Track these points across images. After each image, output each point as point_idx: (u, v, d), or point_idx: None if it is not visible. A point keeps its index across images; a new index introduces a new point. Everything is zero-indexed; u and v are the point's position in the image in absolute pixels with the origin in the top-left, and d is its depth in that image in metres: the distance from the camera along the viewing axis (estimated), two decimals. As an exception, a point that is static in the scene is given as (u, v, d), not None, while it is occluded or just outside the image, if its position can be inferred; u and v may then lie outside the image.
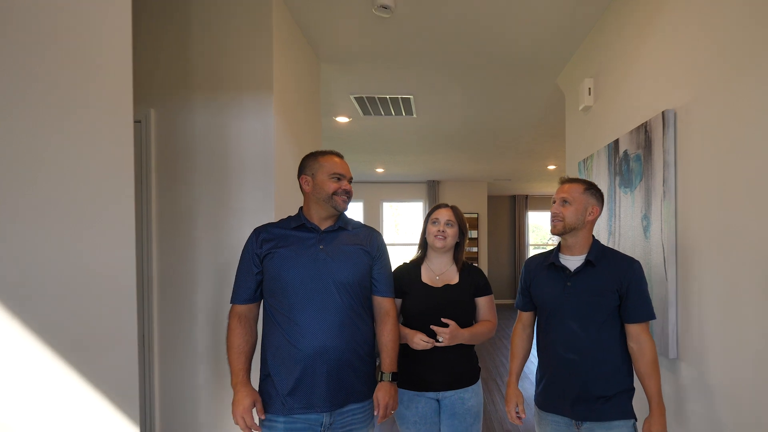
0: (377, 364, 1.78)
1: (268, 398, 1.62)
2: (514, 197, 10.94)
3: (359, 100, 4.08)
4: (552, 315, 1.71)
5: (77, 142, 1.08)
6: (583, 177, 2.86)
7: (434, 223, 1.95)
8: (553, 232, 1.72)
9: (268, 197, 2.33)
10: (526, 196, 10.90)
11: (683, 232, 1.81)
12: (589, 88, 2.80)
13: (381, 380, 1.71)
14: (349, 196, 1.71)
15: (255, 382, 1.69)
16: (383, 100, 4.10)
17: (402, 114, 4.48)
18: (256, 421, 1.60)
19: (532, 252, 11.16)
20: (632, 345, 1.63)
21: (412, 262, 2.03)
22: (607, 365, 1.63)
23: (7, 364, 0.92)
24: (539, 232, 12.81)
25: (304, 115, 2.88)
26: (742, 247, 1.47)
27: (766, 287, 1.35)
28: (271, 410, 1.60)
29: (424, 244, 2.01)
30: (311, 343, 1.56)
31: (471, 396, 1.91)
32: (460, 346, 1.88)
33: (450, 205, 1.99)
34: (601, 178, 2.55)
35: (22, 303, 0.94)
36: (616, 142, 2.34)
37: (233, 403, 1.56)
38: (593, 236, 1.73)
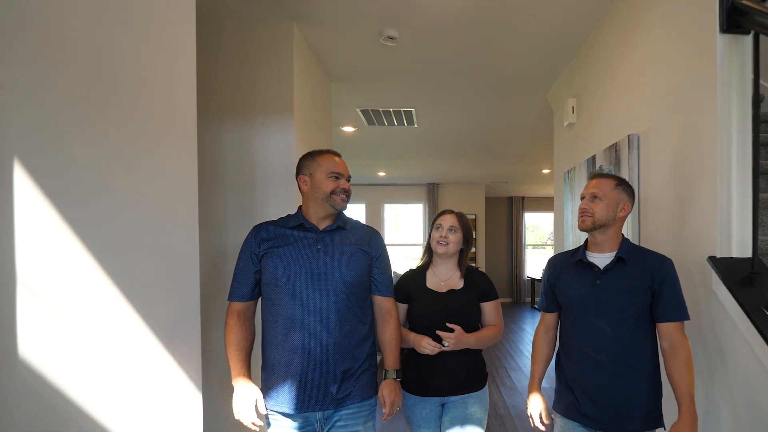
0: (379, 362, 1.79)
1: (266, 393, 1.63)
2: (511, 199, 11.26)
3: (365, 112, 4.42)
4: (580, 315, 1.63)
5: (165, 164, 1.41)
6: (567, 186, 3.20)
7: (438, 228, 1.94)
8: (581, 228, 1.65)
9: (289, 204, 2.67)
10: (523, 197, 11.23)
11: (645, 237, 2.15)
12: (573, 107, 3.14)
13: (385, 378, 1.71)
14: (347, 195, 1.68)
15: (256, 376, 1.75)
16: (387, 112, 4.44)
17: (404, 124, 4.82)
18: (257, 417, 1.59)
19: (529, 252, 11.50)
20: (664, 345, 1.55)
21: (418, 268, 2.03)
22: (638, 367, 1.55)
23: (120, 327, 1.25)
24: (537, 231, 13.16)
25: (317, 129, 3.21)
26: (688, 250, 1.81)
27: (706, 290, 1.69)
28: (269, 405, 1.62)
29: (429, 250, 1.99)
30: (306, 341, 1.56)
31: (475, 402, 1.88)
32: (466, 351, 1.86)
33: (456, 211, 1.98)
34: (581, 190, 2.89)
35: (127, 287, 1.27)
36: (594, 157, 2.68)
37: (234, 398, 1.56)
38: (623, 234, 1.66)
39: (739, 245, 1.58)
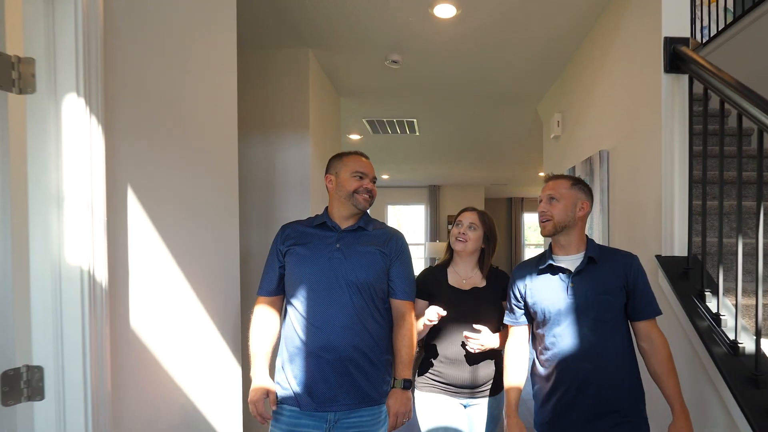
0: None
1: (279, 389, 1.63)
2: (510, 199, 11.62)
3: (370, 122, 4.79)
4: (555, 324, 1.53)
5: (216, 179, 1.77)
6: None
7: (457, 225, 1.87)
8: (544, 234, 1.59)
9: (305, 209, 3.04)
10: (522, 198, 11.58)
11: (612, 239, 2.50)
12: (558, 121, 3.49)
13: (393, 387, 1.64)
14: (370, 195, 1.68)
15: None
16: (390, 122, 4.81)
17: (406, 132, 5.18)
18: (267, 412, 1.59)
19: (528, 251, 11.85)
20: (643, 344, 1.51)
21: (437, 265, 1.98)
22: (620, 371, 1.49)
23: (188, 308, 1.61)
24: (537, 231, 13.51)
25: (328, 139, 3.58)
26: (642, 249, 2.16)
27: (654, 284, 2.05)
28: (280, 400, 1.62)
29: (450, 248, 1.93)
30: (317, 339, 1.56)
31: (498, 405, 1.85)
32: (488, 352, 1.78)
33: (478, 209, 1.91)
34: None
35: (193, 278, 1.63)
36: (574, 167, 3.04)
37: (250, 391, 1.58)
38: (586, 234, 1.62)
39: (680, 246, 1.93)
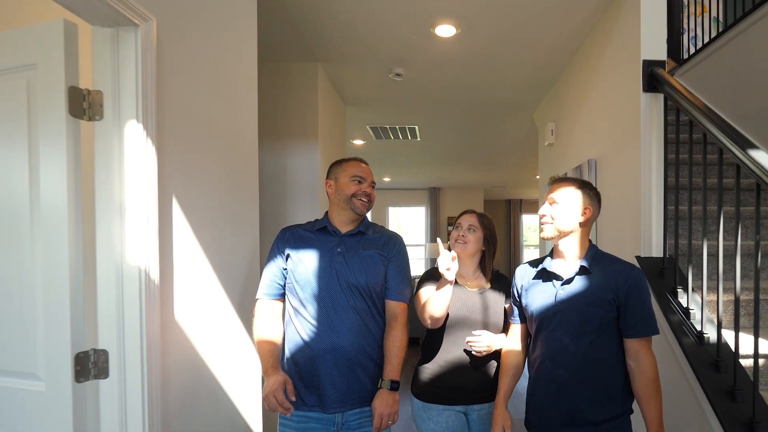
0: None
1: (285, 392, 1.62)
2: (509, 201, 11.82)
3: (373, 129, 5.00)
4: (541, 326, 1.53)
5: (240, 184, 1.98)
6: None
7: (457, 228, 1.85)
8: (543, 237, 1.56)
9: (314, 212, 3.25)
10: (521, 200, 11.79)
11: (600, 242, 2.72)
12: (552, 130, 3.70)
13: (380, 387, 1.60)
14: (368, 199, 1.70)
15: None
16: (393, 129, 5.02)
17: (408, 138, 5.39)
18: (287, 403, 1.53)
19: (527, 251, 12.07)
20: (630, 363, 1.44)
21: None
22: (600, 384, 1.44)
23: (216, 298, 1.82)
24: (536, 231, 13.71)
25: (334, 145, 3.79)
26: (624, 250, 2.37)
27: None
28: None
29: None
30: (322, 342, 1.58)
31: None
32: (490, 356, 1.75)
33: (478, 212, 1.89)
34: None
35: (225, 278, 1.84)
36: (566, 174, 3.25)
37: (265, 386, 1.51)
38: (590, 241, 1.56)
39: (657, 247, 2.14)
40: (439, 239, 1.72)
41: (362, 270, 1.64)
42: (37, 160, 1.27)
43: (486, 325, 1.75)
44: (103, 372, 1.33)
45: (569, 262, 1.52)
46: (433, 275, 1.81)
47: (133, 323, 1.34)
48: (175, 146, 1.52)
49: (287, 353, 1.66)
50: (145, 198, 1.35)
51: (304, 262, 1.63)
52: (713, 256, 2.10)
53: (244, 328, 1.98)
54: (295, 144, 3.26)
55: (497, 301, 1.80)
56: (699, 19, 5.14)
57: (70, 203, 1.26)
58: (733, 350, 1.59)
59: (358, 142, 5.60)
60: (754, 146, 1.50)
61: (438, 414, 1.74)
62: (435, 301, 1.65)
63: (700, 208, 2.23)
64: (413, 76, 3.52)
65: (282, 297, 1.71)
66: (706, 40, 3.65)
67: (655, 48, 2.17)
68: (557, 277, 1.53)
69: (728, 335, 1.75)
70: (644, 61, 2.15)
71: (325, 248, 1.66)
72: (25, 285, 1.30)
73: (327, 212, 1.77)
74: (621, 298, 1.44)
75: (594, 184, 2.77)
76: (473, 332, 1.71)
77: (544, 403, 1.52)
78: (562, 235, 1.51)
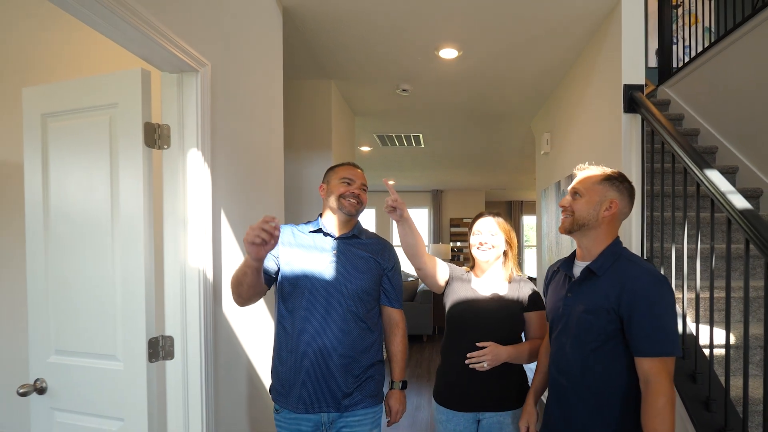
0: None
1: (275, 392, 1.68)
2: (510, 203, 12.10)
3: (380, 136, 5.30)
4: (552, 328, 1.48)
5: (270, 192, 2.27)
6: (544, 202, 4.06)
7: (477, 234, 1.78)
8: (561, 230, 1.43)
9: (327, 218, 3.55)
10: (522, 201, 12.06)
11: (589, 244, 3.00)
12: (547, 140, 3.99)
13: (392, 388, 1.79)
14: (358, 200, 1.70)
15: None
16: (398, 137, 5.32)
17: (413, 145, 5.69)
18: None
19: (529, 252, 12.34)
20: (641, 384, 1.25)
21: (464, 267, 1.92)
22: (597, 400, 1.31)
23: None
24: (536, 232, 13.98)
25: (344, 154, 4.09)
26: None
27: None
28: (278, 404, 1.66)
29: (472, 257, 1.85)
30: (312, 343, 1.60)
31: (513, 421, 1.71)
32: (503, 365, 1.69)
33: (493, 213, 1.83)
34: (551, 207, 3.74)
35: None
36: (559, 182, 3.53)
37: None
38: (617, 238, 1.39)
39: (637, 250, 2.42)
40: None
41: (357, 273, 1.67)
42: (117, 181, 1.56)
43: (495, 332, 1.70)
44: (169, 354, 1.61)
45: (587, 261, 1.39)
46: (453, 271, 1.84)
47: (193, 314, 1.63)
48: (223, 167, 1.81)
49: (277, 354, 1.69)
50: (202, 212, 1.64)
51: (299, 264, 1.66)
52: (691, 258, 2.38)
53: (270, 317, 2.28)
54: (310, 154, 3.55)
55: (509, 308, 1.74)
56: (693, 29, 5.42)
57: (144, 216, 1.54)
58: (695, 340, 1.87)
59: (365, 148, 5.90)
60: (708, 166, 1.78)
61: (448, 419, 1.75)
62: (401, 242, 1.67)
63: (679, 214, 2.52)
64: (418, 91, 3.81)
65: (266, 288, 1.66)
66: (700, 49, 3.88)
67: (635, 73, 2.45)
68: (570, 278, 1.43)
69: (702, 329, 2.04)
70: (625, 86, 2.43)
71: (320, 250, 1.69)
72: (108, 283, 1.59)
73: (320, 215, 1.78)
74: (624, 308, 1.25)
75: (583, 192, 3.06)
76: (477, 344, 1.67)
77: (550, 409, 1.45)
78: (582, 229, 1.37)
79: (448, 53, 3.07)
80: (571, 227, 1.38)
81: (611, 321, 1.27)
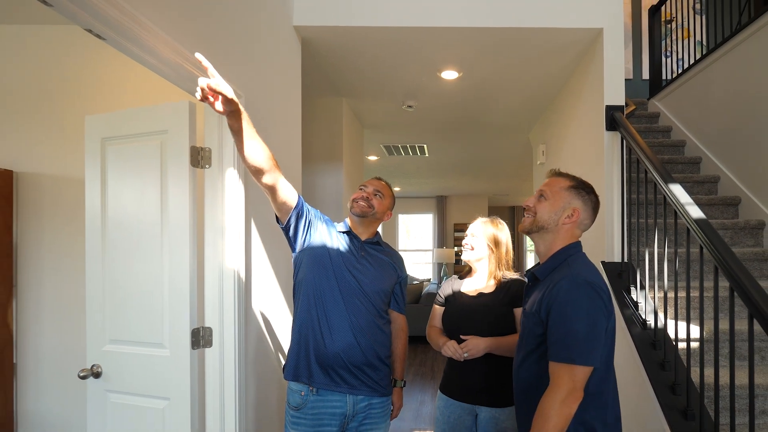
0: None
1: (296, 366, 1.75)
2: (513, 208, 12.32)
3: (387, 147, 5.59)
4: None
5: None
6: (540, 209, 4.31)
7: (465, 237, 1.98)
8: (520, 229, 1.44)
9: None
10: (524, 207, 12.28)
11: (578, 249, 3.26)
12: (543, 150, 4.26)
13: (395, 386, 1.94)
14: (367, 203, 1.84)
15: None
16: (404, 147, 5.60)
17: (418, 154, 5.98)
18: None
19: (531, 256, 12.55)
20: None
21: (461, 274, 2.06)
22: (530, 403, 1.30)
23: (273, 285, 2.39)
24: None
25: (354, 164, 4.38)
26: (592, 257, 2.91)
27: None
28: (301, 379, 1.74)
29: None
30: (338, 340, 1.71)
31: (507, 418, 1.78)
32: (501, 361, 1.78)
33: (483, 218, 1.97)
34: (547, 212, 4.01)
35: (277, 268, 2.41)
36: (553, 191, 3.80)
37: None
38: (572, 245, 1.38)
39: (618, 253, 2.69)
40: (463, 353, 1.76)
41: (380, 276, 1.83)
42: (167, 195, 1.84)
43: (478, 327, 1.81)
44: (208, 343, 1.89)
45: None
46: (443, 290, 2.02)
47: (229, 308, 1.91)
48: (253, 183, 2.10)
49: (300, 349, 1.76)
50: (237, 222, 1.93)
51: (326, 261, 1.77)
52: (671, 261, 2.64)
53: (289, 312, 2.56)
54: (323, 166, 3.85)
55: (492, 305, 1.84)
56: (685, 42, 5.67)
57: (189, 225, 1.82)
58: (671, 334, 2.12)
59: (373, 157, 6.19)
60: (672, 180, 2.05)
61: (446, 406, 1.89)
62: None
63: (651, 221, 2.77)
64: (423, 106, 4.10)
65: (291, 200, 1.74)
66: (692, 61, 4.09)
67: (615, 95, 2.72)
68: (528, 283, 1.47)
69: (670, 324, 2.30)
70: (606, 106, 2.70)
71: (348, 251, 1.82)
72: (157, 282, 1.87)
73: (347, 219, 1.92)
74: (543, 312, 1.27)
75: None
76: (461, 336, 1.81)
77: (516, 414, 1.46)
78: (541, 232, 1.39)
79: (450, 74, 3.36)
80: (531, 227, 1.40)
81: (537, 323, 1.29)
